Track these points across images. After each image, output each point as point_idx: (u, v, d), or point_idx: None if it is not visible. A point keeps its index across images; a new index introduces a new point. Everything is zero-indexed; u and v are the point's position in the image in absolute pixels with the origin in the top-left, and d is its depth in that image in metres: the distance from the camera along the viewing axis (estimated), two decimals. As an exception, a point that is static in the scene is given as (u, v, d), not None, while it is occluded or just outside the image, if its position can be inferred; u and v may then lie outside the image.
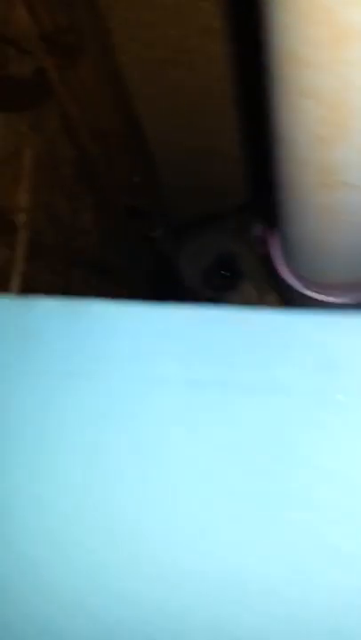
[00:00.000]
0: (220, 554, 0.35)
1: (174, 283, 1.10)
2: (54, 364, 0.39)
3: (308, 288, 0.84)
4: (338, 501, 0.35)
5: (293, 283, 0.85)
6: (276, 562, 0.34)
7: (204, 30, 0.85)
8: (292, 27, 0.41)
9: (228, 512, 0.35)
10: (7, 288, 0.84)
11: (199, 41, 0.87)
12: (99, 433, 0.38)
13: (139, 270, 1.47)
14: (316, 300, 0.84)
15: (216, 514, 0.35)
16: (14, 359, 0.39)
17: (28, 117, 0.82)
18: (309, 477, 0.35)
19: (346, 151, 0.49)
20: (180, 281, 1.10)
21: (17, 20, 0.76)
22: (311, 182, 0.55)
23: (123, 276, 1.33)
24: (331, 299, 0.84)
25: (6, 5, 0.73)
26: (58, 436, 0.38)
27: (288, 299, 0.94)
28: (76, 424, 0.38)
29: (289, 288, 0.85)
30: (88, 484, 0.37)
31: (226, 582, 0.35)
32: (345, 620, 0.33)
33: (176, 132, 1.09)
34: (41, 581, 0.37)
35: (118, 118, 1.00)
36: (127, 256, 1.32)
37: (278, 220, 0.75)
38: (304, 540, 0.34)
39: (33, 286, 0.90)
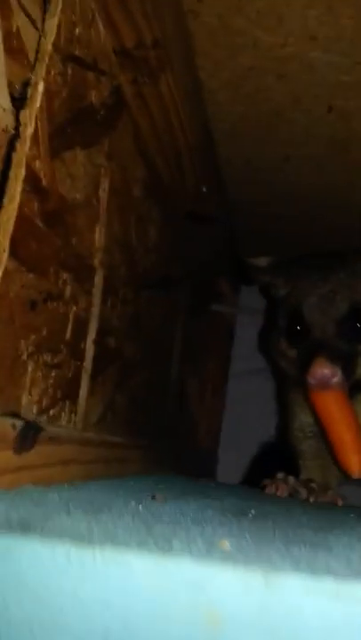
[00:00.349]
0: None
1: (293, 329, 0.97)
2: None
3: None
4: None
5: None
6: None
7: (309, 39, 0.74)
8: None
9: None
10: (85, 335, 0.76)
11: (299, 49, 0.77)
12: None
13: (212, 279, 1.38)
14: None
15: None
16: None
17: (104, 145, 0.73)
18: None
19: None
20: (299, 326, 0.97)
21: (95, 39, 0.66)
22: None
23: (189, 288, 1.25)
24: None
25: (85, 23, 0.63)
26: None
27: None
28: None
29: None
30: None
31: None
32: None
33: (253, 140, 0.99)
34: None
35: (192, 130, 0.89)
36: (196, 267, 1.24)
37: None
38: None
39: (107, 325, 0.83)
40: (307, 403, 1.06)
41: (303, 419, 1.09)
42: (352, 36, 0.74)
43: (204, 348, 1.58)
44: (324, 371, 0.89)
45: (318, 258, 1.04)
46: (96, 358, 0.80)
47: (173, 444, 1.39)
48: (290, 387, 1.09)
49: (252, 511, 0.56)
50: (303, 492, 0.95)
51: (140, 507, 0.48)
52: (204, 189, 1.02)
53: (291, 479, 0.98)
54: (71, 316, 0.71)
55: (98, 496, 0.53)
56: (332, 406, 0.92)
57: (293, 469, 1.11)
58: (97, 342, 0.80)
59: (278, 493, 0.95)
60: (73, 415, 0.76)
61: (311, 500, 0.93)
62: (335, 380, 0.89)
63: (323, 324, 0.95)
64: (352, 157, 1.02)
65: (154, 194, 0.96)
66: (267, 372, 1.50)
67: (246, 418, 1.57)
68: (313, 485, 0.96)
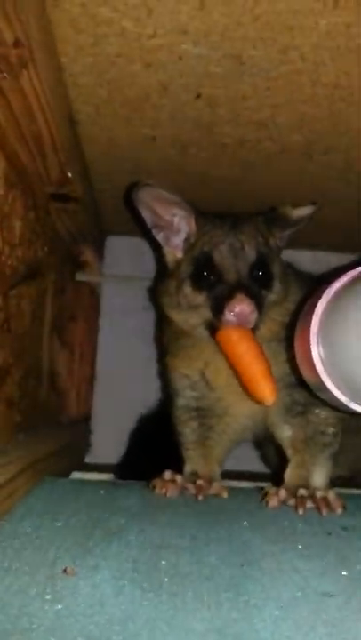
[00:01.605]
0: None
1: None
2: None
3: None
4: None
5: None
6: None
7: (180, 32, 0.71)
8: None
9: None
10: None
11: (168, 41, 0.73)
12: None
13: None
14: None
15: None
16: None
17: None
18: None
19: None
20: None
21: None
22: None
23: (55, 265, 1.20)
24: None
25: None
26: None
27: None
28: None
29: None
30: None
31: None
32: None
33: (118, 121, 0.94)
34: None
35: (55, 117, 0.83)
36: (61, 244, 1.17)
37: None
38: None
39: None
40: (192, 371, 1.06)
41: (189, 394, 1.09)
42: (223, 30, 0.72)
43: (72, 319, 1.54)
44: (244, 306, 0.90)
45: (223, 215, 1.05)
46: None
47: (48, 423, 1.36)
48: (175, 354, 1.08)
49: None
50: (191, 489, 0.98)
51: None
52: (70, 174, 0.96)
53: (179, 478, 0.99)
54: None
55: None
56: (245, 343, 0.94)
57: (173, 446, 1.13)
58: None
59: (168, 494, 0.96)
60: None
61: (200, 497, 0.95)
62: (253, 316, 0.91)
63: (237, 268, 0.97)
64: (215, 138, 1.01)
65: (17, 185, 0.89)
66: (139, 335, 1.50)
67: (120, 387, 1.57)
68: (200, 482, 0.99)
